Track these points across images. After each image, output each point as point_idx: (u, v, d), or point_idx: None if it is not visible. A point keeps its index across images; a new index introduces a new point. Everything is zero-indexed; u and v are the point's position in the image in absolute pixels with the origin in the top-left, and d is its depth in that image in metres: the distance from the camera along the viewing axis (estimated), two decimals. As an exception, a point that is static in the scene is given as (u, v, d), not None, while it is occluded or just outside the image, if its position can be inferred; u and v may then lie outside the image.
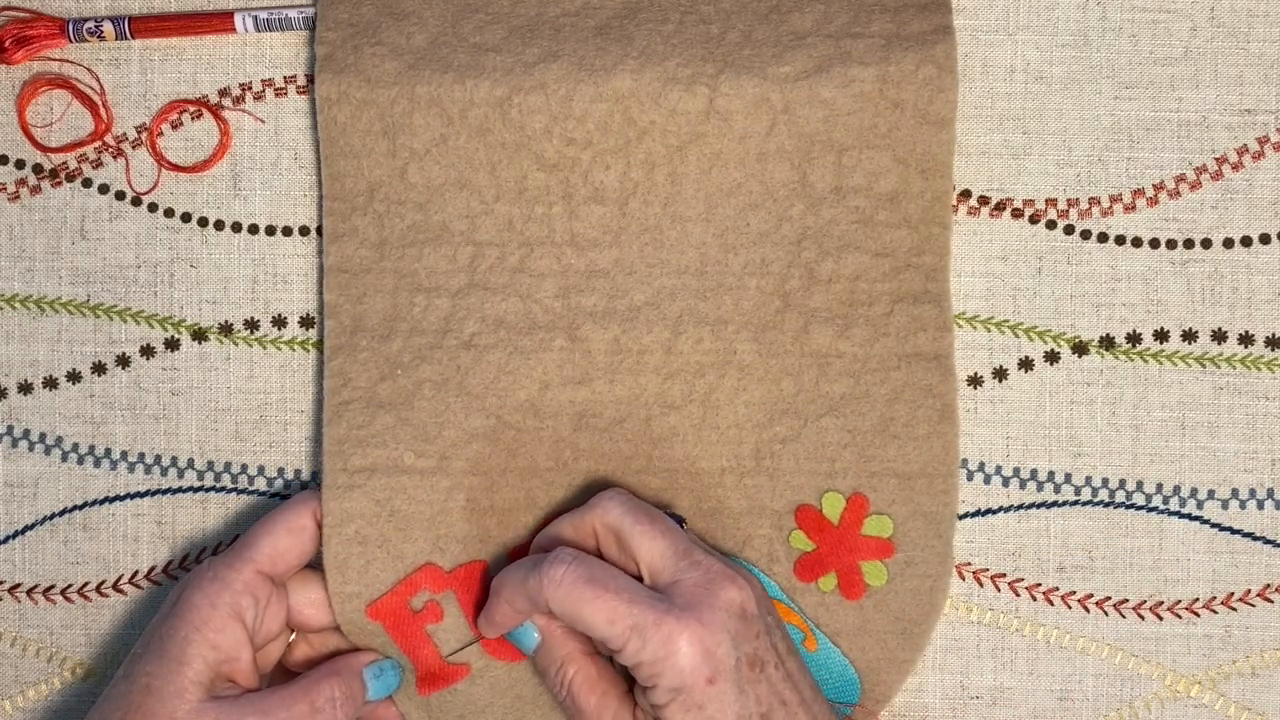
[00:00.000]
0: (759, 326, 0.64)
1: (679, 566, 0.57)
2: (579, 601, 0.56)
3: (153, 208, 0.67)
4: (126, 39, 0.66)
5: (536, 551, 0.61)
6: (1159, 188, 0.65)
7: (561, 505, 0.64)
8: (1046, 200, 0.65)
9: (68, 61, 0.67)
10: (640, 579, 0.58)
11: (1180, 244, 0.65)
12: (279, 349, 0.66)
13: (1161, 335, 0.65)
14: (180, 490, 0.67)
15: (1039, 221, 0.65)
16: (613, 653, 0.57)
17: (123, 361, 0.67)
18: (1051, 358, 0.65)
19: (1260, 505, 0.65)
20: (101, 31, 0.66)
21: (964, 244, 0.65)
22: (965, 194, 0.65)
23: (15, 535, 0.67)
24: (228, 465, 0.67)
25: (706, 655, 0.55)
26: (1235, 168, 0.65)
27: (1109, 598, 0.65)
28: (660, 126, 0.63)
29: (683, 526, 0.61)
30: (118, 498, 0.67)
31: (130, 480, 0.67)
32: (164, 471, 0.67)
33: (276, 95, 0.66)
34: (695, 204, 0.64)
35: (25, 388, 0.67)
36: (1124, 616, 0.65)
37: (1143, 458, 0.65)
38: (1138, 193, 0.65)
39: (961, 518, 0.65)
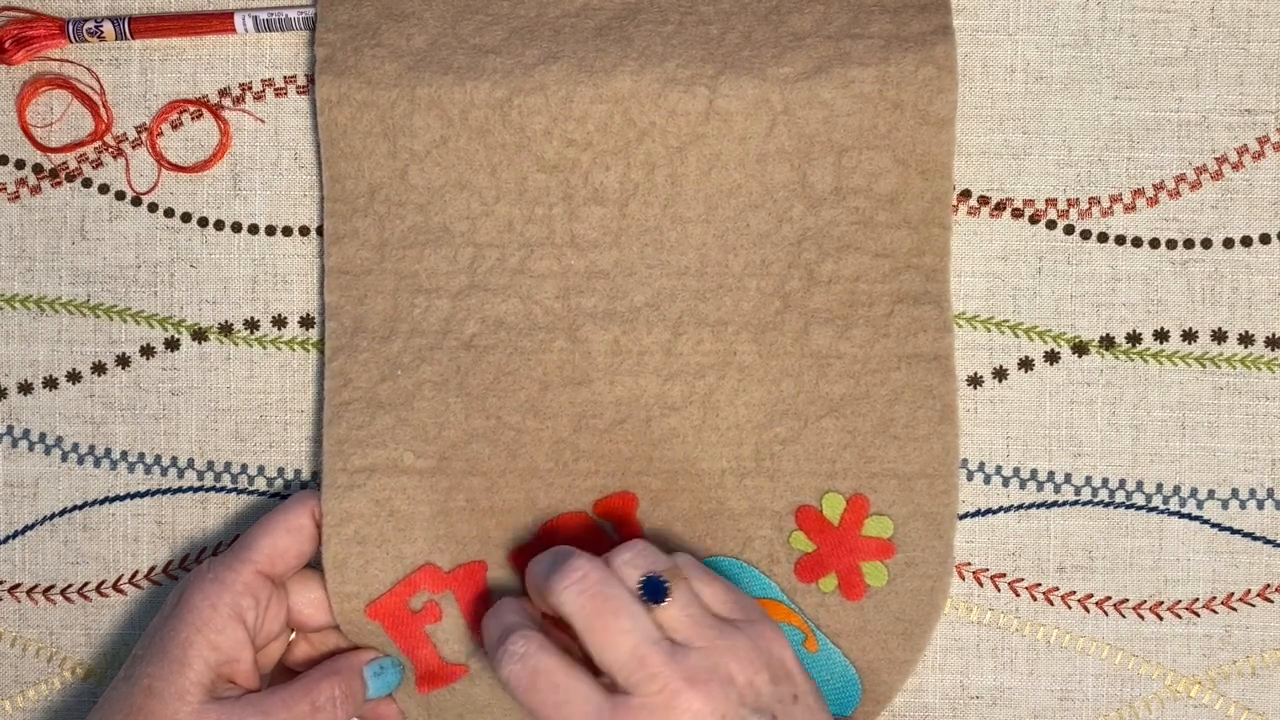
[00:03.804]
0: (759, 327, 0.64)
1: (633, 681, 0.54)
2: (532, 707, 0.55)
3: (153, 208, 0.67)
4: (126, 39, 0.66)
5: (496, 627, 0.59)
6: (1159, 188, 0.65)
7: (561, 506, 0.64)
8: (1046, 200, 0.65)
9: (68, 61, 0.67)
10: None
11: (1180, 244, 0.65)
12: (279, 349, 0.66)
13: (1161, 335, 0.65)
14: (180, 490, 0.67)
15: (1039, 221, 0.65)
16: None
17: (123, 361, 0.67)
18: (1051, 358, 0.65)
19: (1260, 505, 0.65)
20: (101, 31, 0.66)
21: (964, 244, 0.65)
22: (965, 194, 0.65)
23: (15, 535, 0.67)
24: (228, 465, 0.67)
25: None
26: (1235, 168, 0.65)
27: (1109, 598, 0.65)
28: (660, 127, 0.63)
29: (664, 590, 0.56)
30: (118, 498, 0.67)
31: (130, 480, 0.67)
32: (164, 471, 0.67)
33: (276, 95, 0.66)
34: (695, 205, 0.64)
35: (25, 388, 0.67)
36: (1124, 616, 0.65)
37: (1143, 458, 0.65)
38: (1138, 193, 0.65)
39: (961, 518, 0.65)
